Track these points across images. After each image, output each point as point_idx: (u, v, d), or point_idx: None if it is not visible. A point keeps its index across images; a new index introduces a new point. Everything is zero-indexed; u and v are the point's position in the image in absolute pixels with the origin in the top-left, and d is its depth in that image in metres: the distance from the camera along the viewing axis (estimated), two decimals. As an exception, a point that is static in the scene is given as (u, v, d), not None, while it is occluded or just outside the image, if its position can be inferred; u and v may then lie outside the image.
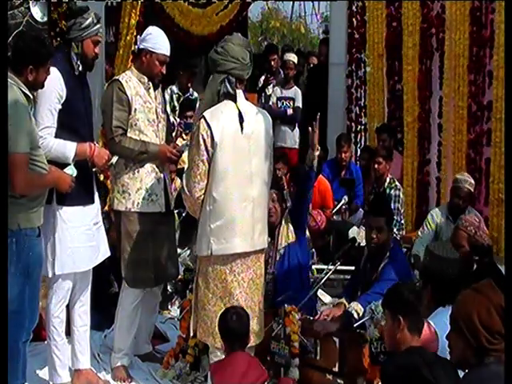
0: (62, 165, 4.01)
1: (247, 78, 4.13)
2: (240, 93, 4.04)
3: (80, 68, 4.22)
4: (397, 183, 6.72)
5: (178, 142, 4.95)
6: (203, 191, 3.96)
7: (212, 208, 3.95)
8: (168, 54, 4.57)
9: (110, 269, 5.21)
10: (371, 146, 7.56)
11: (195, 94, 8.18)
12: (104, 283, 5.39)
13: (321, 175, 7.00)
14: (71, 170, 3.97)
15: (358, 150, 7.87)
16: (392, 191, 6.60)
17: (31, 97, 3.75)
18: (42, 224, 3.85)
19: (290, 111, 8.27)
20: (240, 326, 3.77)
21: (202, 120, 3.92)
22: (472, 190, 5.87)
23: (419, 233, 6.10)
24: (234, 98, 3.99)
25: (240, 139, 3.96)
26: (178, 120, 7.43)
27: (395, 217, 6.48)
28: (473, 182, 5.90)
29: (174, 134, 5.01)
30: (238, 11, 9.57)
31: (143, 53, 4.54)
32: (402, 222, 6.64)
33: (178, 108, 7.86)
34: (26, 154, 3.60)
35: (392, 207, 6.49)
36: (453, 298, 2.84)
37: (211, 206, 3.95)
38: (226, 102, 3.99)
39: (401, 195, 6.64)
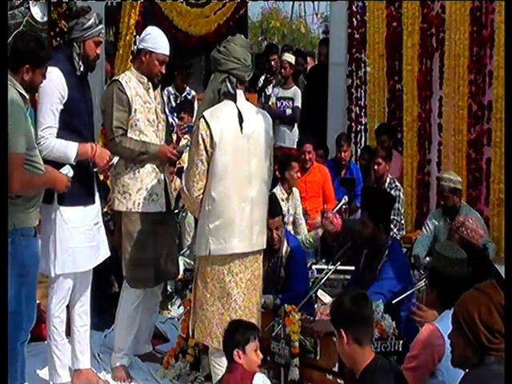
0: (60, 165, 4.01)
1: (248, 79, 4.13)
2: (240, 93, 4.04)
3: (81, 68, 4.23)
4: (397, 183, 6.73)
5: (180, 143, 4.96)
6: (202, 191, 3.96)
7: (211, 208, 3.94)
8: (167, 53, 4.57)
9: (111, 269, 5.20)
10: (371, 146, 7.57)
11: (192, 93, 8.18)
12: (104, 283, 5.39)
13: (317, 163, 7.07)
14: (67, 170, 3.96)
15: (358, 150, 7.87)
16: (392, 191, 6.60)
17: (27, 97, 3.74)
18: (38, 224, 3.84)
19: (288, 111, 8.27)
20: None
21: (202, 120, 3.91)
22: (456, 185, 5.90)
23: (419, 236, 6.12)
24: (234, 98, 3.99)
25: (239, 139, 3.95)
26: (178, 122, 7.43)
27: (395, 217, 6.49)
28: (457, 178, 5.95)
29: (174, 136, 4.99)
30: (236, 9, 9.57)
31: (143, 53, 4.54)
32: (402, 222, 6.64)
33: (176, 109, 7.87)
34: (23, 154, 3.59)
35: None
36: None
37: (210, 205, 3.94)
38: (225, 101, 3.99)
39: (401, 195, 6.64)
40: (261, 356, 3.72)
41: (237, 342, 3.66)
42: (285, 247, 4.90)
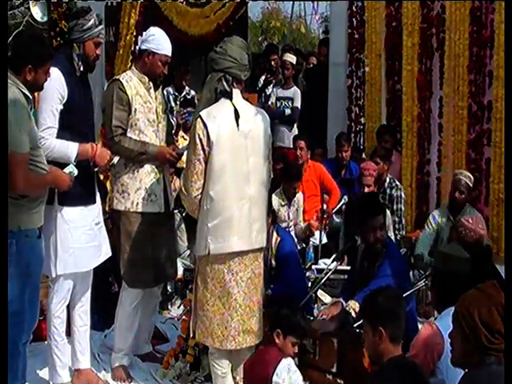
0: (63, 164, 4.01)
1: (245, 79, 4.14)
2: (237, 92, 4.05)
3: (81, 68, 4.23)
4: (397, 183, 6.73)
5: (179, 139, 4.94)
6: (200, 190, 3.97)
7: (209, 207, 3.95)
8: (170, 54, 4.58)
9: (110, 269, 5.20)
10: (367, 145, 7.61)
11: (192, 93, 8.18)
12: (104, 283, 5.38)
13: (311, 161, 7.08)
14: (71, 169, 3.97)
15: (358, 151, 7.88)
16: (393, 191, 6.61)
17: (30, 97, 3.74)
18: (42, 224, 3.84)
19: (288, 111, 8.27)
20: None
21: (199, 119, 3.93)
22: (471, 184, 5.97)
23: (421, 234, 6.12)
24: (230, 96, 4.00)
25: (237, 138, 3.97)
26: (180, 109, 7.42)
27: (396, 218, 6.49)
28: (472, 177, 6.01)
29: (173, 130, 4.98)
30: (236, 9, 9.58)
31: (145, 54, 4.54)
32: (403, 222, 6.64)
33: (175, 109, 7.87)
34: (26, 154, 3.59)
35: (394, 208, 6.51)
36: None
37: (208, 205, 3.95)
38: (222, 100, 4.00)
39: (402, 195, 6.65)
40: (295, 352, 4.03)
41: (282, 324, 4.00)
42: (274, 238, 4.93)
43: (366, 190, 6.36)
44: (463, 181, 5.93)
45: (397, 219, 6.54)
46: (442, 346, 3.32)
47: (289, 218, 6.52)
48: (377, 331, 3.25)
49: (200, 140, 3.91)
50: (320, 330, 4.26)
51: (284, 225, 6.40)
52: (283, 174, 6.61)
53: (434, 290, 3.68)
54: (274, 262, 4.92)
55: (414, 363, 3.33)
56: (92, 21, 4.18)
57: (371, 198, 5.37)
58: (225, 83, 4.00)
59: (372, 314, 3.33)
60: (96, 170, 4.34)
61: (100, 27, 4.24)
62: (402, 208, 6.60)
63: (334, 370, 4.17)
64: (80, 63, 4.20)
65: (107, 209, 5.17)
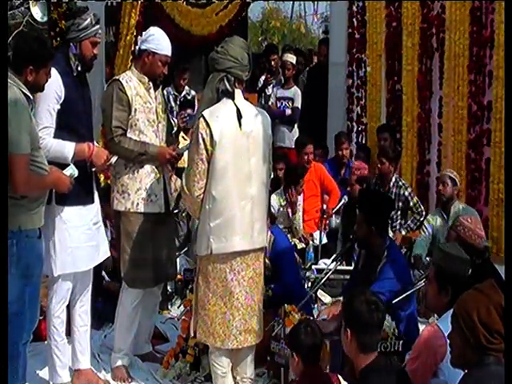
0: (64, 165, 4.01)
1: (246, 79, 4.15)
2: (239, 92, 4.06)
3: (78, 68, 4.23)
4: (403, 182, 6.68)
5: (180, 139, 4.94)
6: (202, 190, 3.97)
7: (211, 207, 3.96)
8: (170, 54, 4.58)
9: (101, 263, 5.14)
10: (368, 145, 7.60)
11: (192, 93, 8.17)
12: (97, 278, 5.33)
13: (314, 162, 7.09)
14: (72, 170, 3.96)
15: (358, 151, 7.87)
16: (402, 191, 6.58)
17: (31, 97, 3.74)
18: (42, 225, 3.84)
19: (288, 111, 8.28)
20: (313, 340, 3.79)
21: (201, 119, 3.93)
22: (456, 178, 6.10)
23: (418, 238, 6.13)
24: (232, 96, 4.01)
25: (239, 138, 3.97)
26: (181, 112, 7.42)
27: (415, 210, 6.50)
28: (457, 175, 6.19)
29: (174, 131, 4.97)
30: (238, 11, 9.59)
31: (145, 54, 4.54)
32: (423, 212, 6.63)
33: (175, 109, 7.87)
34: (27, 155, 3.59)
35: (411, 204, 6.52)
36: None
37: (210, 204, 3.96)
38: (224, 100, 4.01)
39: (411, 194, 6.62)
40: None
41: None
42: (268, 236, 4.93)
43: (349, 188, 6.51)
44: (446, 175, 6.09)
45: (417, 215, 6.53)
46: (444, 347, 3.30)
47: (288, 217, 6.52)
48: (346, 331, 3.23)
49: (203, 139, 3.91)
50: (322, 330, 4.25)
51: (283, 225, 6.40)
52: (288, 176, 6.59)
53: (442, 290, 3.62)
54: (267, 261, 4.90)
55: (390, 360, 3.33)
56: (88, 20, 4.17)
57: (363, 195, 5.34)
58: (227, 83, 4.01)
59: (347, 313, 3.30)
60: (94, 169, 4.33)
61: (96, 27, 4.23)
62: (417, 200, 6.61)
63: (327, 371, 4.17)
64: (77, 63, 4.20)
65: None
